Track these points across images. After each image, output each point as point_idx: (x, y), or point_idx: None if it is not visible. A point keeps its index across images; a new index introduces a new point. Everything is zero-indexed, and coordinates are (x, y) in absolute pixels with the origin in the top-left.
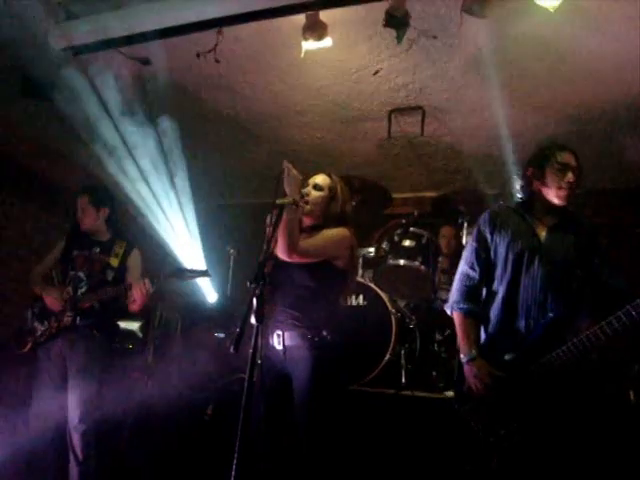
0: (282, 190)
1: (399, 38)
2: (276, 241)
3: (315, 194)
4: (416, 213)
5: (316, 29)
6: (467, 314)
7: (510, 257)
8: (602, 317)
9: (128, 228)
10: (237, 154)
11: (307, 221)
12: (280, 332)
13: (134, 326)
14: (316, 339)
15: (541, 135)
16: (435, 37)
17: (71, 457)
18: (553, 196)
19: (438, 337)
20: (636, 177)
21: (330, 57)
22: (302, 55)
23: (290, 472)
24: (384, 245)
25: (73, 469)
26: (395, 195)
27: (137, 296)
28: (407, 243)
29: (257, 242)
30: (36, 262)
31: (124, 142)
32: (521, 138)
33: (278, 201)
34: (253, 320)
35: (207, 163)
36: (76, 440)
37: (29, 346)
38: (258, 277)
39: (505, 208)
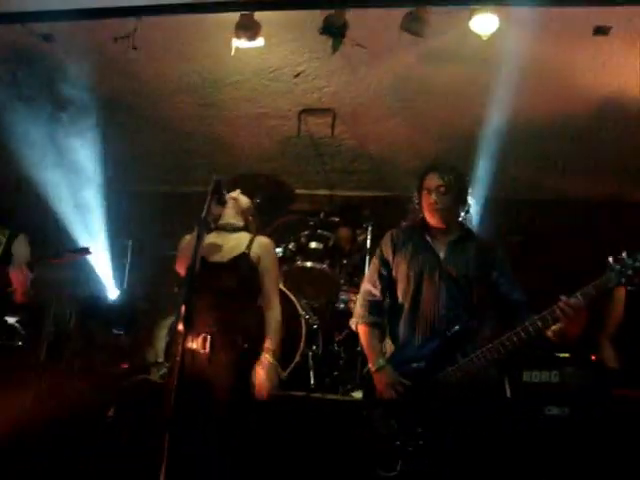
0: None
1: (334, 47)
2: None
3: (232, 195)
4: (322, 215)
5: (250, 29)
6: (370, 326)
7: (411, 274)
8: (502, 328)
9: (14, 214)
10: (135, 141)
11: (222, 221)
12: (207, 336)
13: (13, 320)
14: (245, 345)
15: (441, 146)
16: (362, 46)
17: None
18: (430, 220)
19: (338, 337)
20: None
21: (251, 54)
22: (232, 53)
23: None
24: (291, 246)
25: None
26: None
27: (17, 284)
28: (314, 245)
29: (154, 232)
30: None
31: (20, 124)
32: (421, 147)
33: None
34: (180, 326)
35: (106, 148)
36: None
37: None
38: (187, 282)
39: (406, 228)
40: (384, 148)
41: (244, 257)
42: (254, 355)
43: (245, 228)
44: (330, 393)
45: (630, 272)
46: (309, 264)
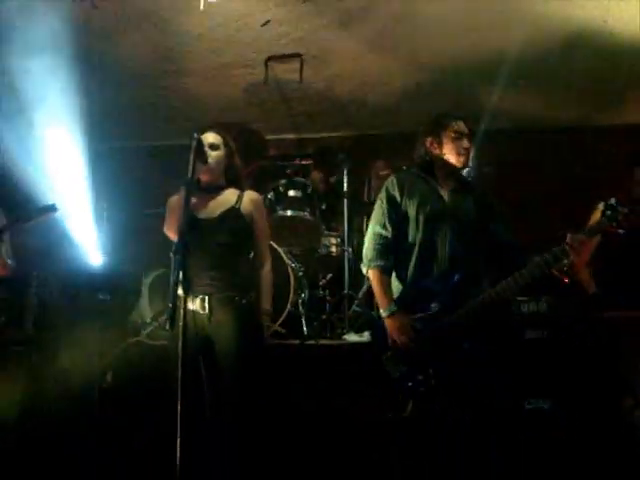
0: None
1: None
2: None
3: (214, 154)
4: (297, 161)
5: None
6: (383, 271)
7: (421, 218)
8: (499, 270)
9: None
10: (100, 98)
11: (207, 180)
12: (204, 296)
13: None
14: (243, 301)
15: (409, 81)
16: None
17: None
18: (454, 161)
19: (322, 282)
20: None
21: (215, 5)
22: (201, 7)
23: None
24: (270, 196)
25: None
26: None
27: None
28: (292, 193)
29: (128, 190)
30: None
31: None
32: (389, 86)
33: None
34: (180, 291)
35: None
36: None
37: None
38: (181, 246)
39: (409, 173)
40: (352, 88)
41: (234, 211)
42: (252, 309)
43: (232, 183)
44: (320, 338)
45: (620, 217)
46: (290, 213)
